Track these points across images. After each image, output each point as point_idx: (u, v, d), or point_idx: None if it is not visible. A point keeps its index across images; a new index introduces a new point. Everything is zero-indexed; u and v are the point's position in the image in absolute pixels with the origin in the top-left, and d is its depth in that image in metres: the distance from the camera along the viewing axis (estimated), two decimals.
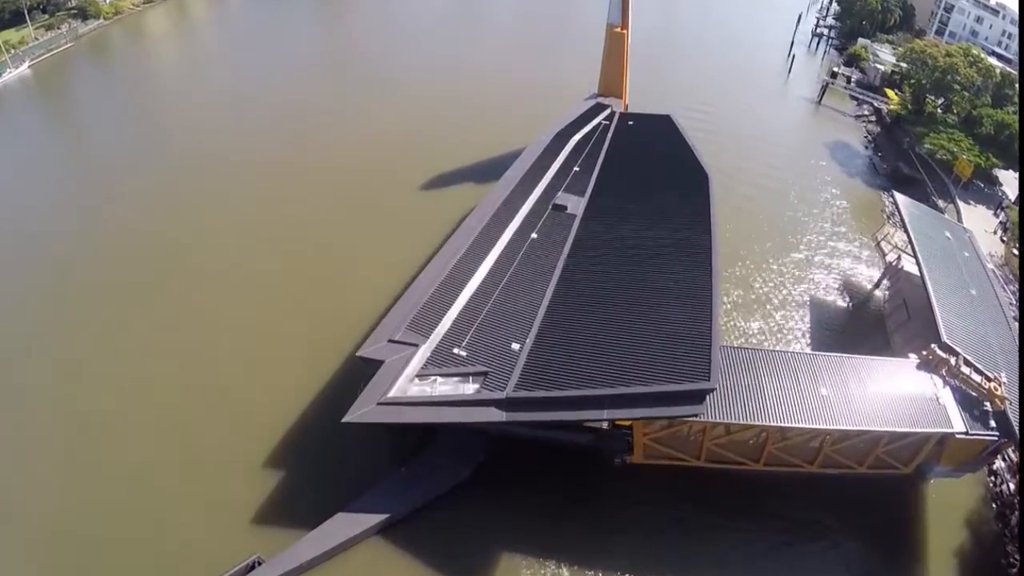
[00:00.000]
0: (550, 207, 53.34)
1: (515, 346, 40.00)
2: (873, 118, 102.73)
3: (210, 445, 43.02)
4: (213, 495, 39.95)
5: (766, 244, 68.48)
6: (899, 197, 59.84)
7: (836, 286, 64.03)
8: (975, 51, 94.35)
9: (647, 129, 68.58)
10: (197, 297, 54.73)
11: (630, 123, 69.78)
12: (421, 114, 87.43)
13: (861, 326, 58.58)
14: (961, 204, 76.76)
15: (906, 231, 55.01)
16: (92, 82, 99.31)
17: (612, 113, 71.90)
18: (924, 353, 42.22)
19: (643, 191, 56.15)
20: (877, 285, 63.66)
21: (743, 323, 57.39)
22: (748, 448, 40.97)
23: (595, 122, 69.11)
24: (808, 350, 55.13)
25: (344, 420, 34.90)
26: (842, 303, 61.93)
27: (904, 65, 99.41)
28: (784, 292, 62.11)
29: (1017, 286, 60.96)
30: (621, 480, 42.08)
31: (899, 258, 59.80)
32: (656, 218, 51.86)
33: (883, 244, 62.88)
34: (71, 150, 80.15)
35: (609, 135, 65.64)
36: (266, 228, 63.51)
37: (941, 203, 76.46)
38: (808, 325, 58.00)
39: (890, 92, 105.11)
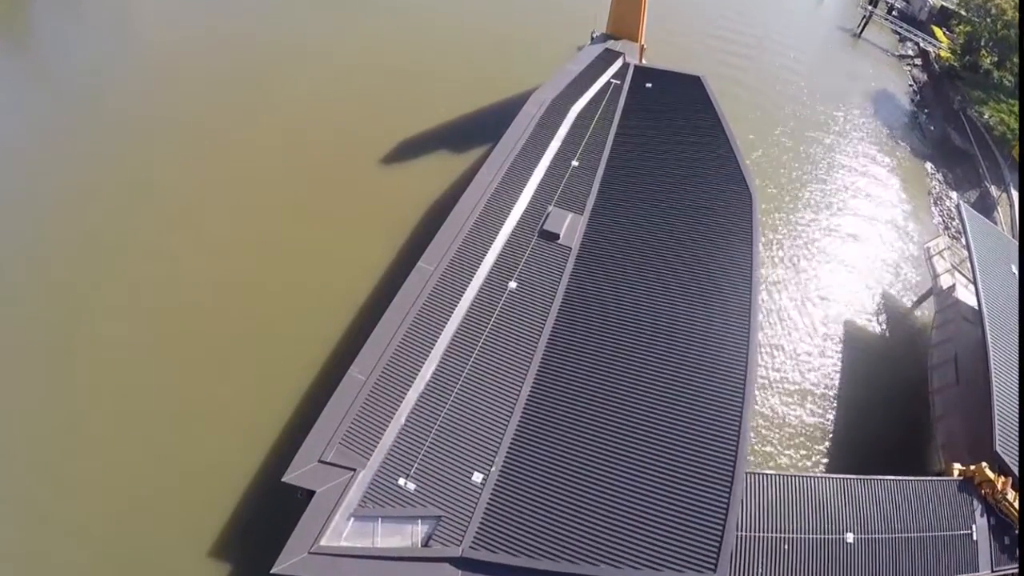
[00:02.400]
0: (536, 233, 39.29)
1: (476, 477, 29.10)
2: (919, 61, 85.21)
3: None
4: None
5: (783, 235, 55.22)
6: (966, 213, 46.15)
7: (868, 299, 51.75)
8: None
9: (670, 98, 51.75)
10: (112, 325, 40.87)
11: (648, 86, 53.21)
12: (387, 54, 68.16)
13: (897, 366, 47.03)
14: (1015, 194, 62.76)
15: (972, 266, 42.60)
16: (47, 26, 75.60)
17: (625, 67, 55.55)
18: (972, 468, 33.42)
19: (661, 212, 41.39)
20: (918, 304, 51.89)
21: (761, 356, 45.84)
22: None
23: (602, 80, 53.31)
24: (835, 390, 44.50)
25: (273, 572, 25.60)
26: (876, 327, 50.05)
27: (964, 12, 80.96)
28: (807, 308, 50.00)
29: None
30: None
31: (954, 286, 47.44)
32: (676, 264, 37.92)
33: (935, 261, 49.96)
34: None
35: (620, 107, 49.99)
36: (197, 223, 48.27)
37: (994, 190, 62.77)
38: (835, 363, 46.41)
39: (938, 32, 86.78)
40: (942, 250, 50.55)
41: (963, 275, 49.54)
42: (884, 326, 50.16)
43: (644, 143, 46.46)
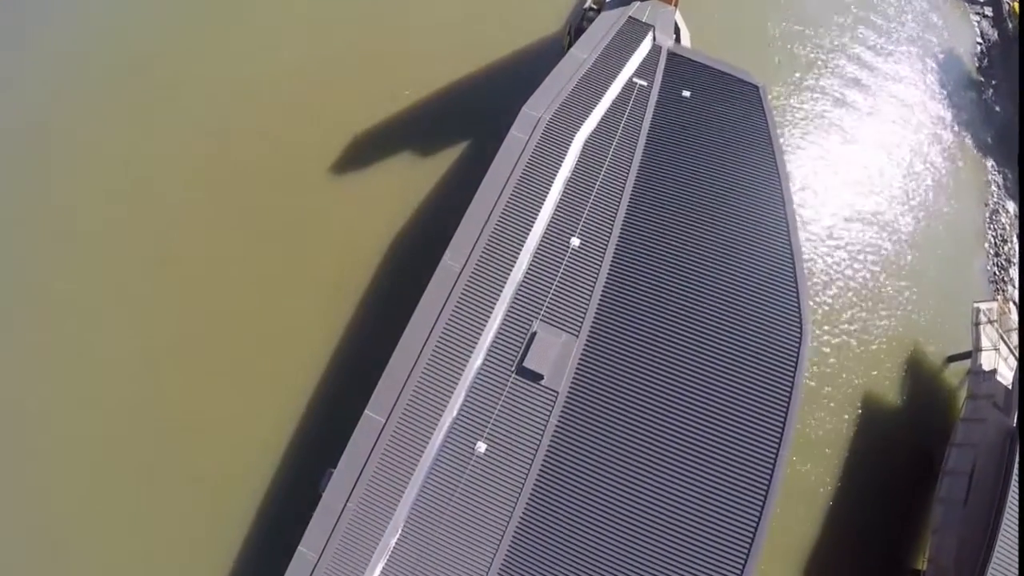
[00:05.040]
0: (513, 371, 29.69)
1: None
2: (990, 11, 68.47)
3: None
4: None
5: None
6: None
7: (895, 356, 44.38)
8: None
9: (715, 123, 36.94)
10: None
11: (685, 94, 38.64)
12: (333, 29, 52.62)
13: (913, 426, 41.77)
14: None
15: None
16: None
17: (656, 53, 41.25)
18: None
19: (685, 338, 30.24)
20: (950, 362, 44.92)
21: None
22: None
23: (622, 79, 38.89)
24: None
25: None
26: (895, 396, 43.39)
27: None
28: (831, 366, 43.13)
29: None
30: None
31: (995, 371, 40.05)
32: (690, 417, 28.69)
33: (983, 329, 41.85)
34: None
35: (643, 134, 36.64)
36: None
37: None
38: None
39: None
40: (993, 320, 42.28)
41: (1007, 345, 42.32)
42: (904, 393, 43.50)
43: (672, 207, 33.65)
